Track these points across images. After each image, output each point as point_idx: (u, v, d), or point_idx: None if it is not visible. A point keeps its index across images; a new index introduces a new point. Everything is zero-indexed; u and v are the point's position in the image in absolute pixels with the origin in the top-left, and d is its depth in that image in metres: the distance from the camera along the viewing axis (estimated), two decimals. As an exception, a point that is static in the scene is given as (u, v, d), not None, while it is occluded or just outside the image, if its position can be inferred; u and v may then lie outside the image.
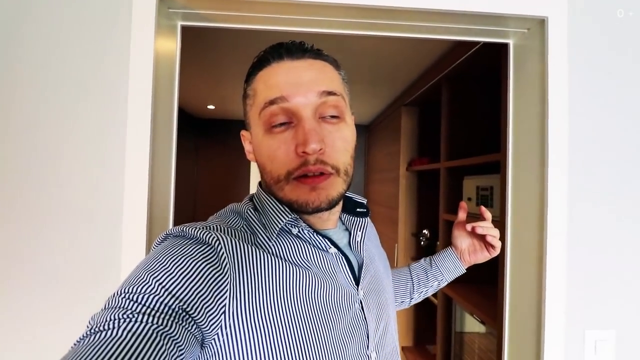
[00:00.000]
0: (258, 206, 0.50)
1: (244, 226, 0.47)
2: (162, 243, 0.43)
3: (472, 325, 1.47)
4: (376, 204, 2.83)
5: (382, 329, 0.53)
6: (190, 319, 0.37)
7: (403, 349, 2.12)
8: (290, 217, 0.46)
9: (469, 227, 0.71)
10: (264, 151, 0.46)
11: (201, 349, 0.39)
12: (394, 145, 2.23)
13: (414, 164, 1.98)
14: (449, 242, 0.76)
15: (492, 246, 0.70)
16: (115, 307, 0.35)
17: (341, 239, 0.54)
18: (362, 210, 0.57)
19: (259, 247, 0.44)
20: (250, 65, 0.50)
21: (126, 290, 0.36)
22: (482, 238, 0.72)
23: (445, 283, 0.78)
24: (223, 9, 0.77)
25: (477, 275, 1.38)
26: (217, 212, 0.51)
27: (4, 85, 0.70)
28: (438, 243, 1.74)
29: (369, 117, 2.98)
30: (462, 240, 0.75)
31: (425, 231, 1.97)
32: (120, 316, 0.34)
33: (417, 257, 2.01)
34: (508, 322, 0.90)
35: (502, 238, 0.76)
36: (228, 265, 0.41)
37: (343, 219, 0.57)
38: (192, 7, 0.75)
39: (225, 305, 0.39)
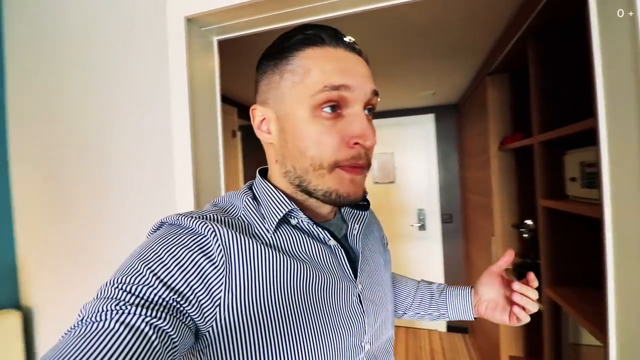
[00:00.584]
0: (258, 195, 0.49)
1: (242, 216, 0.46)
2: (157, 231, 0.43)
3: (590, 336, 1.18)
4: (470, 192, 2.52)
5: (379, 322, 0.52)
6: (184, 312, 0.37)
7: (511, 358, 1.84)
8: (290, 207, 0.46)
9: (510, 284, 0.62)
10: (310, 135, 0.44)
11: (195, 340, 0.39)
12: (483, 122, 1.93)
13: (506, 142, 1.67)
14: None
15: (517, 317, 0.60)
16: (108, 298, 0.35)
17: (340, 230, 0.53)
18: (363, 203, 0.55)
19: (256, 238, 0.44)
20: (289, 36, 0.46)
21: (119, 280, 0.36)
22: (512, 302, 0.61)
23: (446, 319, 0.70)
24: (253, 13, 0.81)
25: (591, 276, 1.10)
26: (215, 200, 0.51)
27: (82, 95, 0.92)
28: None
29: (456, 95, 2.66)
30: (488, 290, 0.64)
31: (527, 221, 1.66)
32: (113, 307, 0.33)
33: (521, 253, 1.71)
34: (615, 334, 0.69)
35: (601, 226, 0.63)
36: (224, 257, 0.40)
37: (343, 211, 0.57)
38: (223, 20, 0.82)
39: (220, 298, 0.39)
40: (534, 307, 0.58)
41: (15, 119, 1.03)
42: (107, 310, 0.33)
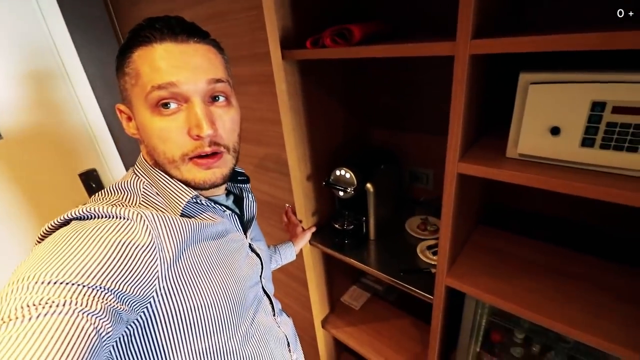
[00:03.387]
0: (152, 183, 0.52)
1: (143, 202, 0.49)
2: (63, 228, 0.41)
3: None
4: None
5: (267, 261, 0.71)
6: (118, 296, 0.37)
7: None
8: (192, 194, 0.51)
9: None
10: (154, 132, 0.48)
11: (132, 319, 0.41)
12: None
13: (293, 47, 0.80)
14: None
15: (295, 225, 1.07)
16: (27, 294, 0.31)
17: (229, 201, 0.64)
18: (242, 178, 0.69)
19: (169, 213, 0.49)
20: (127, 37, 0.48)
21: (34, 277, 0.32)
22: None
23: (278, 267, 1.01)
24: None
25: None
26: (99, 193, 0.51)
27: None
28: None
29: None
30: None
31: (340, 172, 0.99)
32: (37, 302, 0.30)
33: (334, 216, 1.29)
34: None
35: None
36: (152, 233, 0.43)
37: (227, 185, 0.68)
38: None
39: (158, 272, 0.43)
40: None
41: None
42: (32, 306, 0.30)
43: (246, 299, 0.58)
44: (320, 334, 1.36)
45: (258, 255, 0.66)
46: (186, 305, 0.47)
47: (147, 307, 0.43)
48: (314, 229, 1.10)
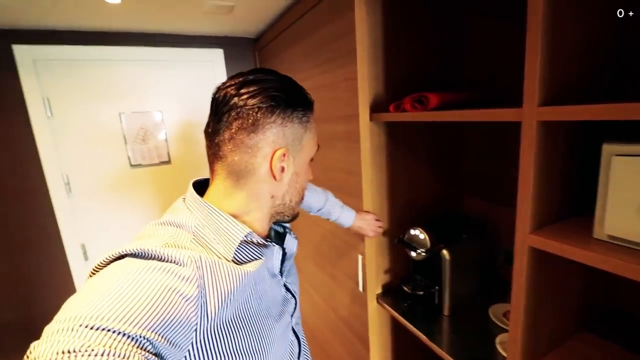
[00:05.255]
0: (204, 219, 0.50)
1: (192, 241, 0.48)
2: (117, 263, 0.41)
3: None
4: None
5: (298, 300, 0.67)
6: (153, 344, 0.35)
7: None
8: (246, 231, 0.51)
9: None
10: (306, 178, 0.59)
11: None
12: (340, 68, 1.15)
13: (394, 108, 0.88)
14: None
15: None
16: (69, 337, 0.31)
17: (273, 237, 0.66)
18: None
19: (219, 257, 0.48)
20: (304, 92, 0.55)
21: (79, 318, 0.32)
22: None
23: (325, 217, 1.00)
24: None
25: None
26: (153, 225, 0.50)
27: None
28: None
29: (258, 20, 1.69)
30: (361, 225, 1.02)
31: (415, 232, 1.00)
32: (78, 349, 0.30)
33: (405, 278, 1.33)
34: None
35: None
36: (198, 281, 0.42)
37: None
38: None
39: (197, 324, 0.41)
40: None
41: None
42: (72, 352, 0.30)
43: (278, 341, 0.57)
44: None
45: (293, 295, 0.64)
46: (223, 356, 0.46)
47: (186, 355, 0.42)
48: (381, 229, 1.04)
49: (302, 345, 0.67)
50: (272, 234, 0.65)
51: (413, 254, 0.97)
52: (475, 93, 0.86)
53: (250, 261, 0.51)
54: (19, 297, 1.73)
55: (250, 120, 0.47)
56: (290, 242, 0.63)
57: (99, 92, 1.75)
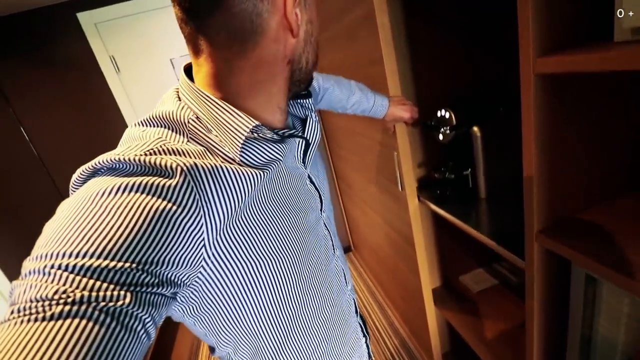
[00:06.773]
0: (201, 112, 0.39)
1: (190, 140, 0.38)
2: (90, 182, 0.33)
3: None
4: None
5: (327, 192, 0.59)
6: (157, 278, 0.30)
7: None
8: (253, 124, 0.39)
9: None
10: (318, 24, 0.43)
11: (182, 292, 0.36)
12: None
13: None
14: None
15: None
16: (46, 281, 0.26)
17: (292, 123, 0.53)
18: (303, 92, 0.51)
19: (223, 160, 0.38)
20: None
21: (48, 256, 0.27)
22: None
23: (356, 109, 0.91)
24: None
25: None
26: (136, 125, 0.41)
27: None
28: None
29: None
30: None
31: (442, 113, 0.93)
32: (52, 296, 0.25)
33: (433, 165, 0.96)
34: None
35: None
36: (196, 195, 0.34)
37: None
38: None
39: (203, 239, 0.35)
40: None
41: None
42: (47, 300, 0.25)
43: (314, 240, 0.51)
44: (430, 307, 1.26)
45: (317, 189, 0.54)
46: (247, 268, 0.40)
47: (197, 277, 0.37)
48: (416, 110, 0.94)
49: (334, 239, 0.60)
50: (291, 122, 0.51)
51: (440, 136, 0.91)
52: None
53: (264, 164, 0.41)
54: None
55: None
56: (313, 129, 0.50)
57: (152, 42, 1.93)
